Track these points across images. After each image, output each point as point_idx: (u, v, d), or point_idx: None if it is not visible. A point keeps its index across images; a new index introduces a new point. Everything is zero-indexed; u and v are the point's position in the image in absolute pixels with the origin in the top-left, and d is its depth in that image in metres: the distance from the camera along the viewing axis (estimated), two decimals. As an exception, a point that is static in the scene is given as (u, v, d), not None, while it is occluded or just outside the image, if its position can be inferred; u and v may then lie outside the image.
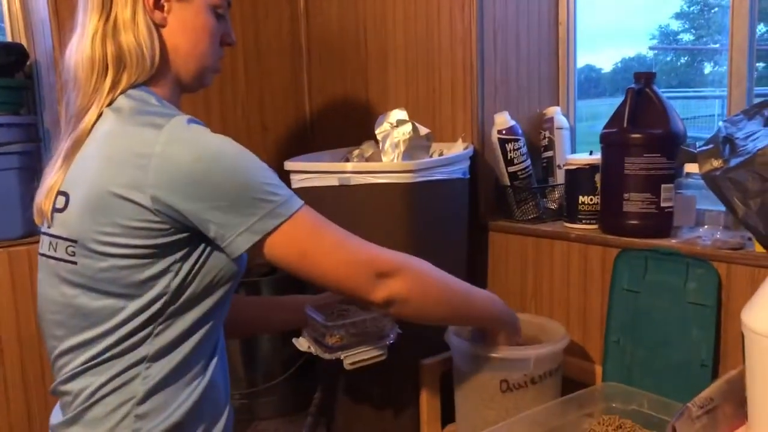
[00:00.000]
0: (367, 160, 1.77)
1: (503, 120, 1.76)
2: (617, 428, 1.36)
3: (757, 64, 1.58)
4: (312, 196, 1.56)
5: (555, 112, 1.88)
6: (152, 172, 0.94)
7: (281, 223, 0.98)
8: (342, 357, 1.26)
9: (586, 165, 1.66)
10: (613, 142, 1.57)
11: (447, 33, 1.82)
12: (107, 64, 1.02)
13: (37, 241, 1.82)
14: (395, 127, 1.55)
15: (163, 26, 1.06)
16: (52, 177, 1.05)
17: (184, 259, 1.00)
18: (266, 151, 2.28)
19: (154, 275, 0.99)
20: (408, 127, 1.53)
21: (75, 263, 1.01)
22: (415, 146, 1.53)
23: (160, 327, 1.02)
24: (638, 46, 3.07)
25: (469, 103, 1.79)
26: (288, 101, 2.32)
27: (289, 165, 1.58)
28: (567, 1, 1.93)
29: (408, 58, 1.95)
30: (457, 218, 1.66)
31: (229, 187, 0.95)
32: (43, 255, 1.09)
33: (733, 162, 1.32)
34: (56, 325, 1.06)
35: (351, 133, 2.13)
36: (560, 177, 1.84)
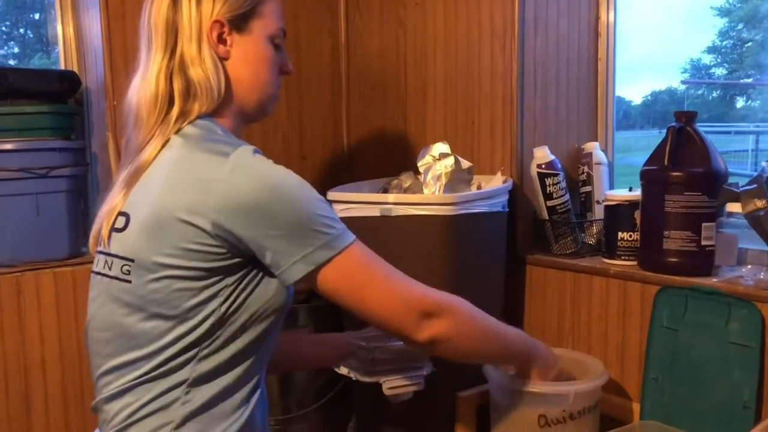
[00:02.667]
0: (406, 191, 1.79)
1: (543, 154, 1.77)
2: (656, 468, 1.35)
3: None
4: (353, 226, 1.57)
5: (594, 147, 1.89)
6: (215, 197, 0.97)
7: (334, 256, 1.00)
8: (381, 381, 1.27)
9: (625, 201, 1.66)
10: (653, 179, 1.57)
11: (488, 68, 1.85)
12: (173, 98, 1.06)
13: (82, 263, 1.91)
14: (437, 160, 1.57)
15: (227, 59, 1.10)
16: (112, 202, 1.08)
17: (235, 285, 1.02)
18: (304, 179, 2.31)
19: (204, 299, 1.01)
20: (450, 160, 1.56)
21: (129, 282, 1.04)
22: (456, 179, 1.55)
23: (205, 352, 1.03)
24: (669, 79, 3.07)
25: (509, 137, 1.81)
26: (327, 132, 2.36)
27: (331, 195, 1.61)
28: (607, 37, 1.96)
29: (447, 91, 1.98)
30: (495, 251, 1.67)
31: (289, 217, 0.98)
32: (97, 273, 1.11)
33: (778, 202, 1.32)
34: (103, 343, 1.08)
35: (388, 164, 2.16)
36: (598, 212, 1.84)
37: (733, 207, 1.44)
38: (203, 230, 0.98)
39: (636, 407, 1.55)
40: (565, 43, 1.89)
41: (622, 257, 1.66)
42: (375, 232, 1.53)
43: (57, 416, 1.88)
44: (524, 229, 1.84)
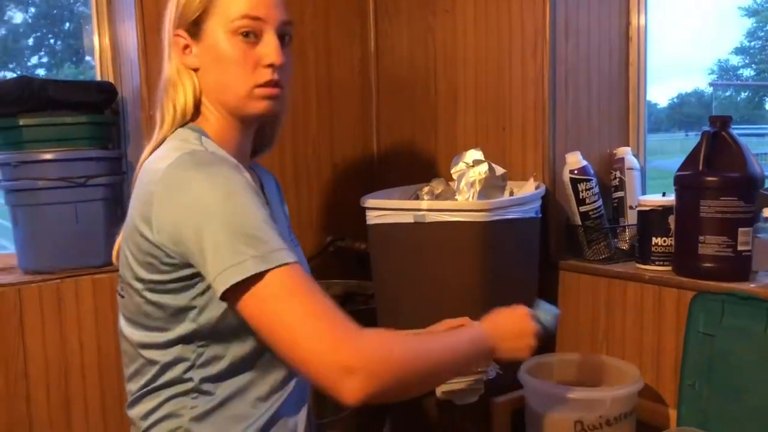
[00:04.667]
0: (437, 197, 1.80)
1: (575, 160, 1.77)
2: (694, 474, 1.35)
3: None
4: (387, 233, 1.61)
5: (626, 152, 1.89)
6: (155, 207, 0.95)
7: (255, 275, 0.88)
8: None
9: (659, 206, 1.66)
10: (688, 184, 1.57)
11: (519, 74, 1.86)
12: (162, 110, 1.10)
13: (119, 269, 1.94)
14: (471, 167, 1.58)
15: (197, 69, 1.07)
16: None
17: (203, 294, 0.98)
18: (336, 187, 2.34)
19: (177, 310, 1.00)
20: (484, 166, 1.56)
21: (123, 296, 1.08)
22: (490, 186, 1.56)
23: (201, 360, 1.03)
24: (695, 81, 3.05)
25: (540, 143, 1.81)
26: (357, 139, 2.38)
27: (365, 202, 1.63)
28: (638, 42, 1.95)
29: (478, 97, 1.99)
30: (528, 257, 1.68)
31: (209, 232, 0.90)
32: None
33: (817, 207, 1.31)
34: (122, 353, 1.12)
35: (418, 171, 2.17)
36: (631, 217, 1.84)
37: (771, 212, 1.43)
38: (151, 241, 0.96)
39: (672, 413, 1.54)
40: (596, 48, 1.89)
41: (657, 263, 1.66)
42: (408, 239, 1.55)
43: (96, 423, 1.92)
44: (557, 234, 1.84)
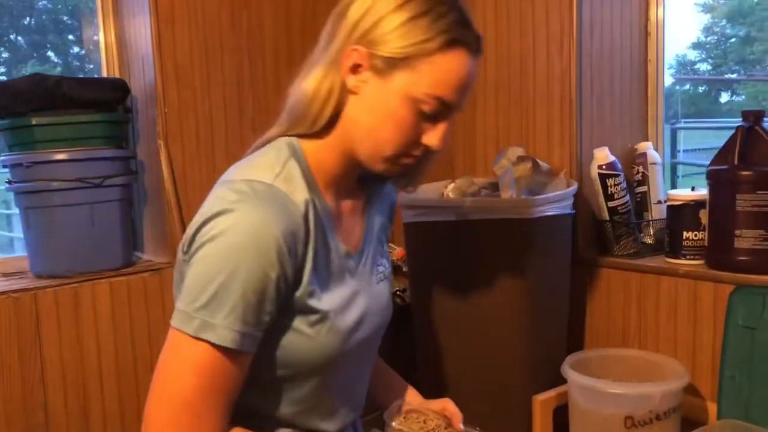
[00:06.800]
0: (464, 194, 1.79)
1: (604, 155, 1.78)
2: (740, 466, 1.36)
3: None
4: (426, 231, 1.59)
5: (648, 147, 1.90)
6: (192, 223, 0.92)
7: (181, 332, 0.86)
8: None
9: (690, 201, 1.67)
10: (722, 179, 1.58)
11: (543, 70, 1.85)
12: (288, 111, 0.99)
13: (136, 272, 1.89)
14: (515, 164, 1.57)
15: (355, 93, 0.94)
16: None
17: None
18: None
19: None
20: (528, 163, 1.55)
21: None
22: (534, 182, 1.56)
23: None
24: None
25: (567, 139, 1.81)
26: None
27: (405, 200, 1.60)
28: (656, 37, 1.96)
29: (499, 94, 1.97)
30: (563, 253, 1.68)
31: (197, 268, 0.87)
32: None
33: None
34: None
35: (436, 168, 2.15)
36: (656, 212, 1.85)
37: (812, 205, 1.45)
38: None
39: (712, 407, 1.55)
40: (618, 43, 1.90)
41: (688, 257, 1.67)
42: (450, 237, 1.53)
43: (114, 430, 1.86)
44: (584, 230, 1.84)
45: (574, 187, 1.67)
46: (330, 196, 0.98)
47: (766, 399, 1.46)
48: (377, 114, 0.93)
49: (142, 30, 1.95)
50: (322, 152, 0.98)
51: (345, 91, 0.94)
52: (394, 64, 0.91)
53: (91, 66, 2.46)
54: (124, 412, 1.88)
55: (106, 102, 1.88)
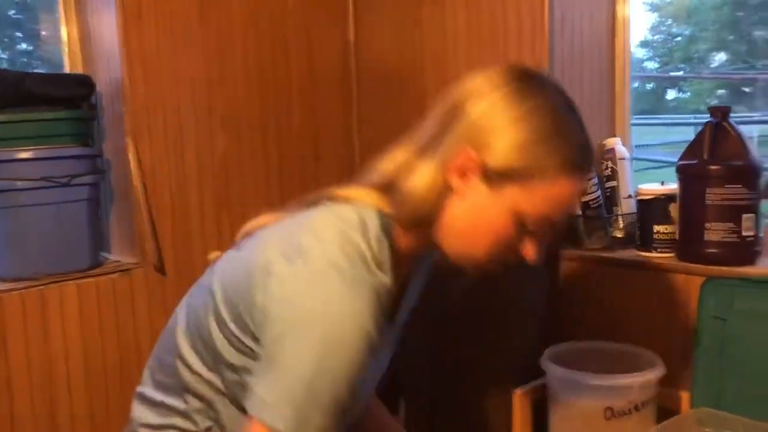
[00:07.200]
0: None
1: (575, 151, 1.80)
2: (714, 453, 1.40)
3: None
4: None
5: (616, 142, 1.93)
6: (271, 279, 0.89)
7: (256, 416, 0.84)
8: None
9: (661, 195, 1.70)
10: (693, 173, 1.62)
11: (515, 67, 1.86)
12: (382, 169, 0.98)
13: (104, 273, 1.84)
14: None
15: (459, 195, 0.92)
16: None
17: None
18: (318, 182, 2.29)
19: (220, 357, 0.97)
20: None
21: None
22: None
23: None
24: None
25: (540, 135, 1.83)
26: (338, 133, 2.33)
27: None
28: (623, 37, 2.00)
29: (471, 90, 1.98)
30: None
31: (288, 352, 0.84)
32: None
33: (828, 193, 1.38)
34: None
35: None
36: (625, 206, 1.89)
37: (779, 198, 1.50)
38: (246, 299, 0.91)
39: (685, 396, 1.59)
40: (588, 40, 1.93)
41: (658, 249, 1.70)
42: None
43: (84, 436, 1.82)
44: (557, 225, 1.86)
45: (549, 183, 1.69)
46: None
47: (737, 388, 1.50)
48: (478, 221, 0.91)
49: (107, 25, 1.90)
50: (406, 237, 0.95)
51: (449, 190, 0.92)
52: (507, 177, 0.89)
53: (40, 62, 2.40)
54: (94, 416, 1.83)
55: (70, 98, 1.83)
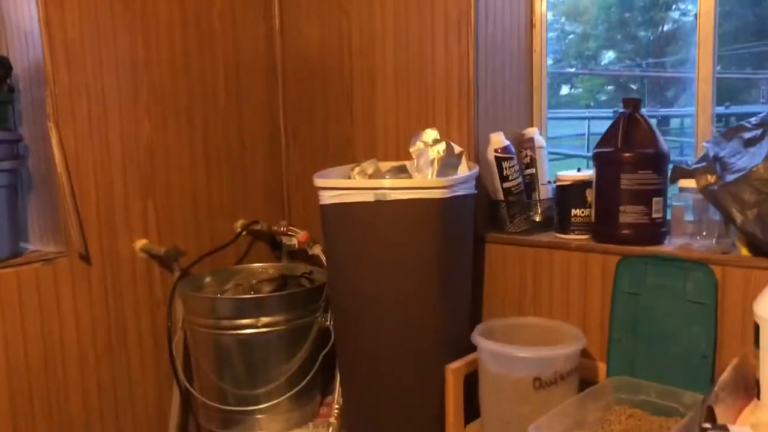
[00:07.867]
0: (370, 177, 1.84)
1: (499, 139, 1.89)
2: (629, 417, 1.53)
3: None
4: (343, 212, 1.62)
5: (534, 132, 2.04)
6: None
7: None
8: None
9: (578, 181, 1.82)
10: (608, 160, 1.74)
11: (442, 57, 1.93)
12: None
13: (25, 263, 1.77)
14: (430, 146, 1.64)
15: None
16: None
17: None
18: (245, 170, 2.29)
19: None
20: (442, 145, 1.63)
21: None
22: (447, 164, 1.63)
23: None
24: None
25: (465, 124, 1.91)
26: (265, 120, 2.34)
27: (320, 182, 1.63)
28: (540, 31, 2.11)
29: (398, 80, 2.04)
30: (468, 231, 1.77)
31: None
32: None
33: (729, 177, 1.53)
34: None
35: (334, 153, 2.19)
36: (543, 192, 2.00)
37: (686, 183, 1.64)
38: None
39: (602, 366, 1.71)
40: (509, 32, 2.02)
41: (576, 232, 1.82)
42: (368, 217, 1.58)
43: None
44: (481, 209, 1.95)
45: (476, 169, 1.77)
46: None
47: (648, 357, 1.64)
48: None
49: (25, 4, 1.82)
50: None
51: None
52: None
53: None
54: (16, 414, 1.77)
55: (-13, 81, 1.75)
